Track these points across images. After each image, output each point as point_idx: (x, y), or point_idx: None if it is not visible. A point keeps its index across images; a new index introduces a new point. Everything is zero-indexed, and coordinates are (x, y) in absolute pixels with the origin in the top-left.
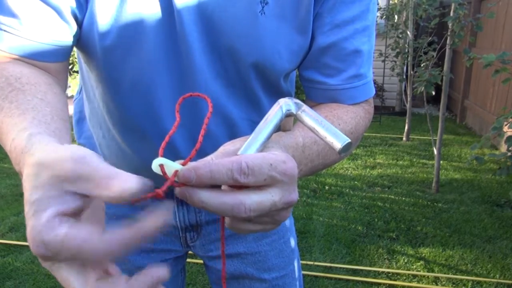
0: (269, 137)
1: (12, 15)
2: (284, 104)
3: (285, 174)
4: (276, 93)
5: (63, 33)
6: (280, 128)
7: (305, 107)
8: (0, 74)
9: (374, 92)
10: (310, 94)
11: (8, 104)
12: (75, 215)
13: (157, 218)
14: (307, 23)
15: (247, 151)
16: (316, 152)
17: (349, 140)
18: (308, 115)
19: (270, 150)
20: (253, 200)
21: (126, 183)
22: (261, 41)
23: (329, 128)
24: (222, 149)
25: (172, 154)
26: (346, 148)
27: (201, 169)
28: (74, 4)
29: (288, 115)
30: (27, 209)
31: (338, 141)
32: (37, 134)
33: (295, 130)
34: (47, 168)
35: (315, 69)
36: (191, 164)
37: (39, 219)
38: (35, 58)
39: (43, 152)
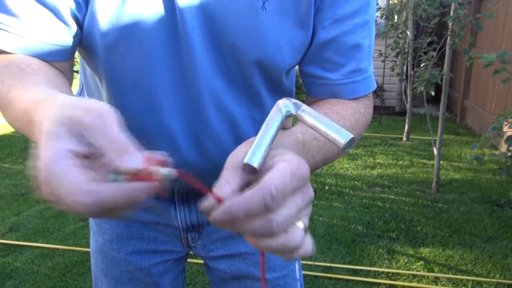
0: (272, 141)
1: (12, 14)
2: (283, 106)
3: (303, 179)
4: (278, 91)
5: (62, 33)
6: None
7: (304, 106)
8: (11, 62)
9: (375, 86)
10: (311, 89)
11: (18, 82)
12: (81, 158)
13: (140, 186)
14: (308, 18)
15: (252, 159)
16: (317, 148)
17: (352, 136)
18: (308, 114)
19: (277, 154)
20: (282, 213)
21: (131, 159)
22: (262, 37)
23: (330, 125)
24: (231, 164)
25: (175, 153)
26: (350, 144)
27: (235, 208)
28: (73, 5)
29: (288, 116)
30: (41, 137)
31: (341, 137)
32: (60, 91)
33: (294, 127)
34: (70, 108)
35: (316, 64)
36: (225, 206)
37: (49, 148)
38: (38, 57)
39: (70, 98)
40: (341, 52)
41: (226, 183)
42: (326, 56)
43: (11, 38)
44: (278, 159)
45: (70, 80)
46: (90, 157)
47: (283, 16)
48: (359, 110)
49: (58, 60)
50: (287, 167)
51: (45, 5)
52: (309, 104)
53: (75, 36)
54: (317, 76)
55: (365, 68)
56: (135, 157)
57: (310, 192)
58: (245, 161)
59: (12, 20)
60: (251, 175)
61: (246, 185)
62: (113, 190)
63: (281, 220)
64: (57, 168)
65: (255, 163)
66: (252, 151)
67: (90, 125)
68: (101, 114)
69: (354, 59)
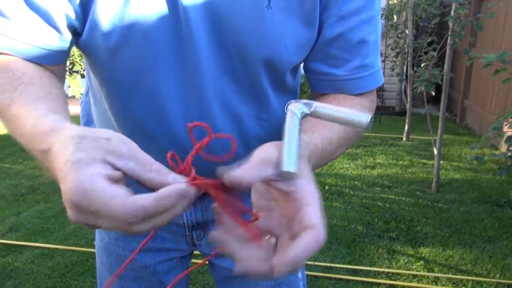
0: (300, 145)
1: (2, 15)
2: (296, 109)
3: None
4: (283, 89)
5: (51, 38)
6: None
7: (315, 103)
8: (7, 68)
9: (382, 81)
10: (316, 85)
11: (18, 95)
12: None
13: (175, 190)
14: (314, 16)
15: (290, 166)
16: (330, 151)
17: (370, 115)
18: (323, 109)
19: (304, 196)
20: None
21: (179, 177)
22: (268, 35)
23: (347, 112)
24: (260, 157)
25: (181, 153)
26: (370, 123)
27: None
28: (69, 12)
29: (304, 116)
30: (66, 167)
31: (362, 119)
32: (62, 118)
33: (315, 134)
34: (91, 139)
35: (322, 60)
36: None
37: (82, 172)
38: (28, 59)
39: (81, 128)
40: (347, 48)
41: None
42: (331, 53)
43: (1, 39)
44: (307, 226)
45: (62, 81)
46: (117, 179)
47: (288, 13)
48: (365, 106)
49: (48, 64)
50: (312, 244)
51: (35, 9)
52: (314, 99)
53: (65, 42)
54: (323, 72)
55: (371, 63)
56: (176, 176)
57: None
58: (284, 169)
59: (2, 21)
60: (273, 172)
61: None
62: (151, 197)
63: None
64: (95, 186)
65: (292, 169)
66: (286, 158)
67: (116, 151)
68: (125, 141)
69: (360, 55)
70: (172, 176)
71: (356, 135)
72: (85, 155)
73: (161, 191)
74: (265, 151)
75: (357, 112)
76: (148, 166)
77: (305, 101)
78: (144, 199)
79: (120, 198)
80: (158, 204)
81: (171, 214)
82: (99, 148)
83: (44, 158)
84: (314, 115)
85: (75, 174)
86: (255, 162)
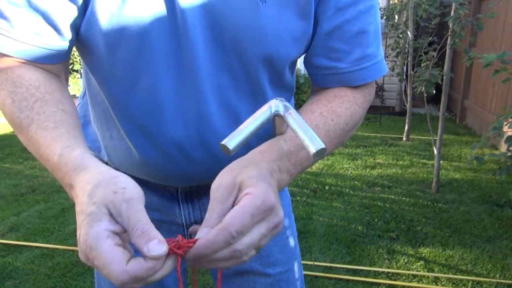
0: (253, 132)
1: (4, 17)
2: (274, 105)
3: (266, 211)
4: (281, 85)
5: (52, 37)
6: (276, 131)
7: (292, 110)
8: (19, 83)
9: (385, 70)
10: (319, 80)
11: (37, 116)
12: (115, 234)
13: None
14: (309, 9)
15: (229, 142)
16: (305, 156)
17: (323, 146)
18: (293, 118)
19: (248, 184)
20: (244, 243)
21: (156, 247)
22: (263, 30)
23: (308, 132)
24: (215, 198)
25: (179, 151)
26: (321, 152)
27: (203, 250)
28: (72, 11)
29: (276, 115)
30: (81, 217)
31: (313, 145)
32: (84, 153)
33: (281, 140)
34: (102, 191)
35: (323, 55)
36: (193, 249)
37: (92, 228)
38: (32, 60)
39: (99, 174)
40: (346, 39)
41: (213, 215)
42: (331, 46)
43: (5, 41)
44: (245, 193)
45: (65, 80)
46: (119, 232)
47: (283, 7)
48: (356, 102)
49: (51, 63)
50: (250, 205)
51: (36, 10)
52: (314, 92)
53: (65, 41)
54: (325, 66)
55: (373, 53)
56: (159, 244)
57: (276, 219)
58: (223, 142)
59: (4, 23)
60: (234, 195)
61: (232, 205)
62: (141, 268)
63: (243, 249)
64: (102, 249)
65: (231, 146)
66: (232, 135)
67: (120, 211)
68: (126, 198)
69: (360, 45)
70: (147, 247)
71: (310, 160)
72: (97, 210)
73: (149, 264)
74: (218, 188)
75: (317, 139)
76: (134, 231)
77: (287, 103)
78: (135, 270)
79: (118, 266)
80: (148, 272)
81: (160, 274)
82: (107, 200)
83: (68, 189)
84: (284, 118)
85: (86, 229)
86: (216, 209)
